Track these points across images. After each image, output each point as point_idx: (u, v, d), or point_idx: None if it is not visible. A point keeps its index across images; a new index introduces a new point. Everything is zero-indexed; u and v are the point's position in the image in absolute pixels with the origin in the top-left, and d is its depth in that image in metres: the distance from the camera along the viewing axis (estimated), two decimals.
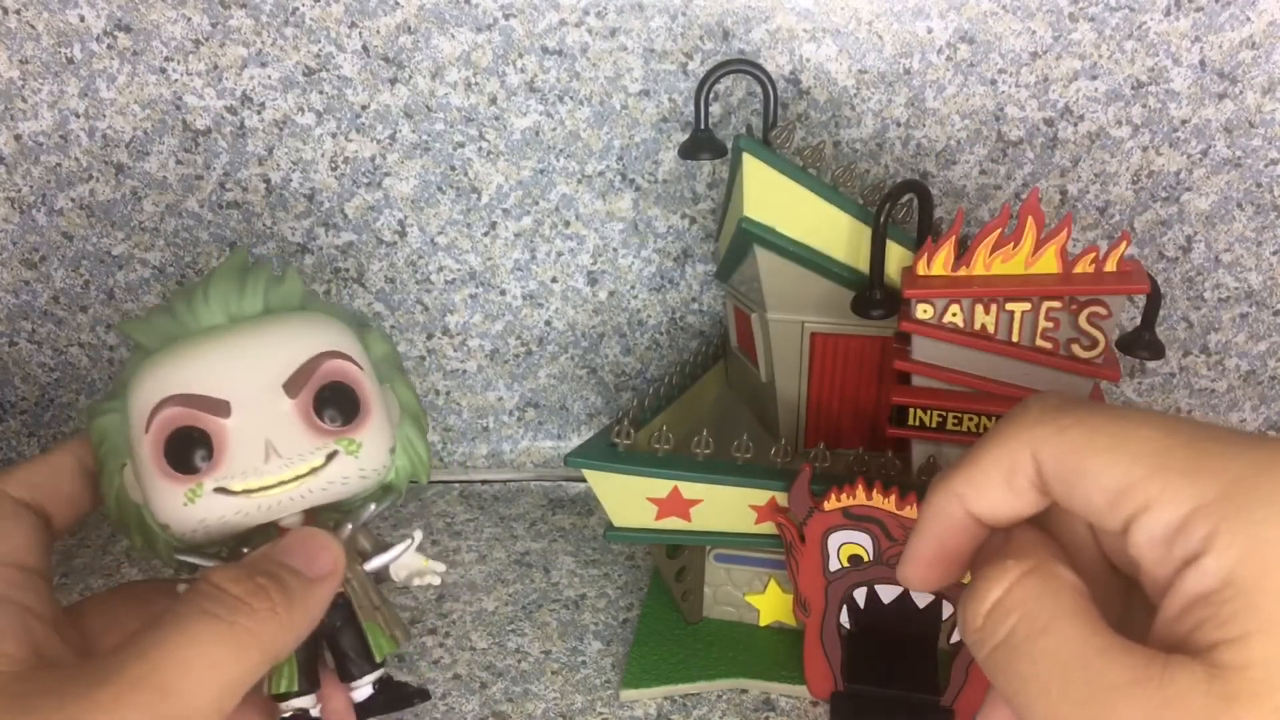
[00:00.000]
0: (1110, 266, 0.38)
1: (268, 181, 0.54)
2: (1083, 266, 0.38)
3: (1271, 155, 0.52)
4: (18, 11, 0.49)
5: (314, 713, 0.36)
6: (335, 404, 0.33)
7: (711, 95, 0.42)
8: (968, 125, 0.52)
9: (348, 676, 0.36)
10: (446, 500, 0.60)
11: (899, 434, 0.41)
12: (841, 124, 0.52)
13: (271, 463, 0.33)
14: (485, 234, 0.55)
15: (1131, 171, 0.52)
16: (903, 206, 0.41)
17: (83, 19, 0.50)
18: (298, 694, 0.35)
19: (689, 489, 0.43)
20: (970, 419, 0.40)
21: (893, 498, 0.40)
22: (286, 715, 0.35)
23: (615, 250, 0.56)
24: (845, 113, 0.51)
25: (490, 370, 0.59)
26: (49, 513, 0.35)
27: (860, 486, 0.40)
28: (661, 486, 0.43)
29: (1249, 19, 0.49)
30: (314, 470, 0.33)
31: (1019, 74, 0.50)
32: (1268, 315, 0.55)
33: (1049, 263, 0.38)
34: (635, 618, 0.50)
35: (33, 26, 0.50)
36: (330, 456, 0.33)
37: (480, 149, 0.53)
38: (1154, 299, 0.40)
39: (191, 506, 0.32)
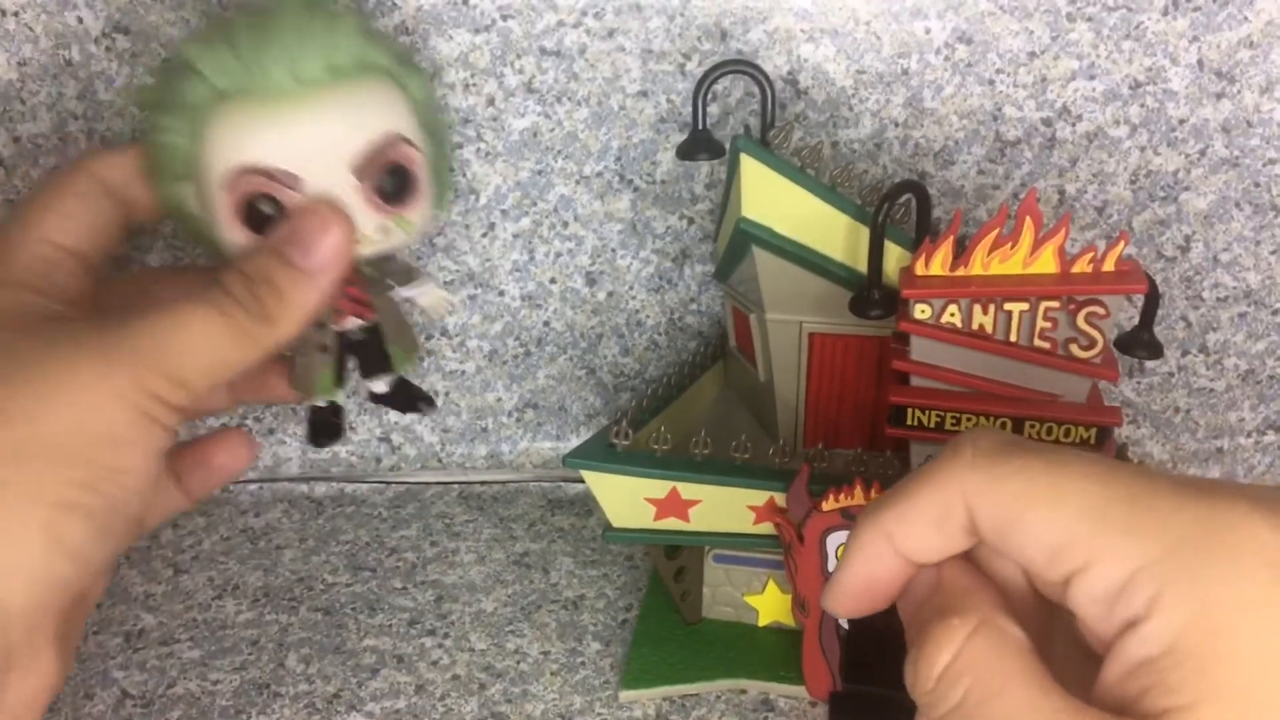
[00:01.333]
0: (1108, 266, 0.38)
1: None
2: (1081, 266, 0.38)
3: (1269, 155, 0.52)
4: (16, 14, 0.49)
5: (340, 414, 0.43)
6: (395, 186, 0.37)
7: (709, 96, 0.42)
8: (966, 125, 0.52)
9: (368, 374, 0.42)
10: (445, 501, 0.60)
11: (898, 434, 0.41)
12: (839, 124, 0.52)
13: None
14: (484, 235, 0.55)
15: (1129, 171, 0.52)
16: (901, 206, 0.41)
17: (81, 20, 0.50)
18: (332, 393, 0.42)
19: (687, 489, 0.43)
20: (969, 419, 0.40)
21: None
22: (322, 405, 0.42)
23: (614, 251, 0.56)
24: (843, 113, 0.51)
25: (489, 371, 0.59)
26: (130, 199, 0.38)
27: (858, 487, 0.40)
28: (660, 487, 0.43)
29: (1247, 18, 0.49)
30: (369, 242, 0.38)
31: (1017, 74, 0.50)
32: (1266, 314, 0.55)
33: (1047, 263, 0.38)
34: (634, 618, 0.50)
35: (31, 28, 0.50)
36: (385, 231, 0.38)
37: (478, 150, 0.53)
38: (1152, 298, 0.40)
39: None
